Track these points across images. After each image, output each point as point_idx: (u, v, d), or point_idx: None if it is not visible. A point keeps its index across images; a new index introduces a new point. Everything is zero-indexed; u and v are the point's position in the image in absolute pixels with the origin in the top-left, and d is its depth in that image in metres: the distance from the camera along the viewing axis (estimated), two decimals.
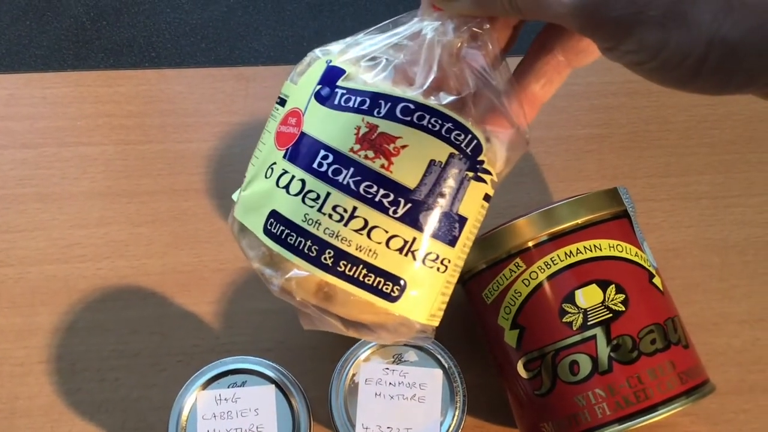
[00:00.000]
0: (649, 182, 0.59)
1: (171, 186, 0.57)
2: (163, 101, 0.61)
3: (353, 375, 0.43)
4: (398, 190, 0.29)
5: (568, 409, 0.41)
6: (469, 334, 0.51)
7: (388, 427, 0.42)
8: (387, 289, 0.29)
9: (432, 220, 0.29)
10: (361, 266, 0.29)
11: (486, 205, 0.32)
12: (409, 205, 0.29)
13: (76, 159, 0.58)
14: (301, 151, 0.30)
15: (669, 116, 0.61)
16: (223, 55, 1.63)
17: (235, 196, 0.32)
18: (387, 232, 0.29)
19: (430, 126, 0.29)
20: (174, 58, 1.62)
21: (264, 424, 0.42)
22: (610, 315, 0.41)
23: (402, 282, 0.29)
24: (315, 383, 0.46)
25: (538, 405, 0.42)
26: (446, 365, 0.44)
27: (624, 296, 0.41)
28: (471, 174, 0.30)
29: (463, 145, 0.29)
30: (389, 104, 0.29)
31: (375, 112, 0.29)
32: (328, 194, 0.29)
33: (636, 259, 0.43)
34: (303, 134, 0.30)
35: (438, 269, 0.30)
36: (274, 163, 0.31)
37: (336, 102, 0.30)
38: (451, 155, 0.29)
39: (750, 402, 0.51)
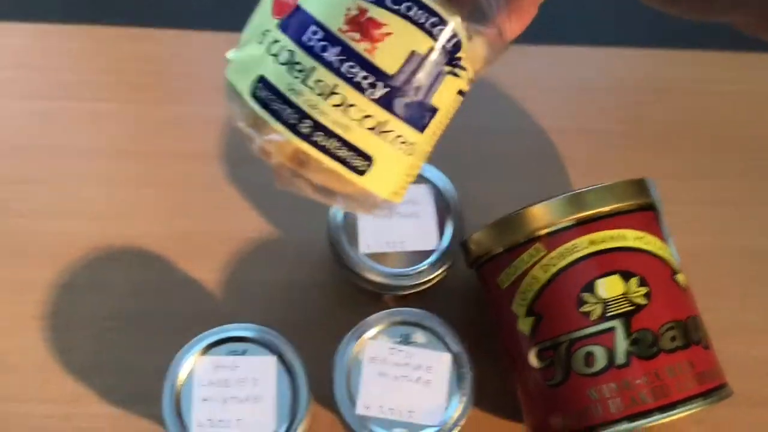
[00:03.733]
0: (673, 183, 0.56)
1: (183, 150, 0.55)
2: (183, 64, 0.59)
3: (357, 352, 0.42)
4: (378, 74, 0.30)
5: (580, 402, 0.39)
6: (481, 322, 0.50)
7: (390, 408, 0.41)
8: (356, 162, 0.31)
9: (405, 106, 0.31)
10: (334, 139, 0.31)
11: (460, 99, 0.34)
12: (387, 89, 0.31)
13: (90, 115, 0.56)
14: (294, 23, 0.31)
15: (697, 118, 0.59)
16: None
17: (229, 55, 0.34)
18: (362, 111, 0.31)
19: (416, 18, 0.30)
20: (199, 19, 1.61)
21: (262, 395, 0.40)
22: (632, 308, 0.39)
23: (370, 158, 0.32)
24: (318, 359, 0.44)
25: (548, 396, 0.41)
26: (455, 350, 0.42)
27: (647, 289, 0.39)
28: (448, 69, 0.32)
29: (444, 40, 0.31)
30: None
31: None
32: (314, 68, 0.30)
33: (661, 252, 0.41)
34: (298, 7, 0.32)
35: (405, 151, 0.32)
36: (268, 30, 0.32)
37: None
38: (432, 48, 0.31)
39: (766, 415, 0.49)
